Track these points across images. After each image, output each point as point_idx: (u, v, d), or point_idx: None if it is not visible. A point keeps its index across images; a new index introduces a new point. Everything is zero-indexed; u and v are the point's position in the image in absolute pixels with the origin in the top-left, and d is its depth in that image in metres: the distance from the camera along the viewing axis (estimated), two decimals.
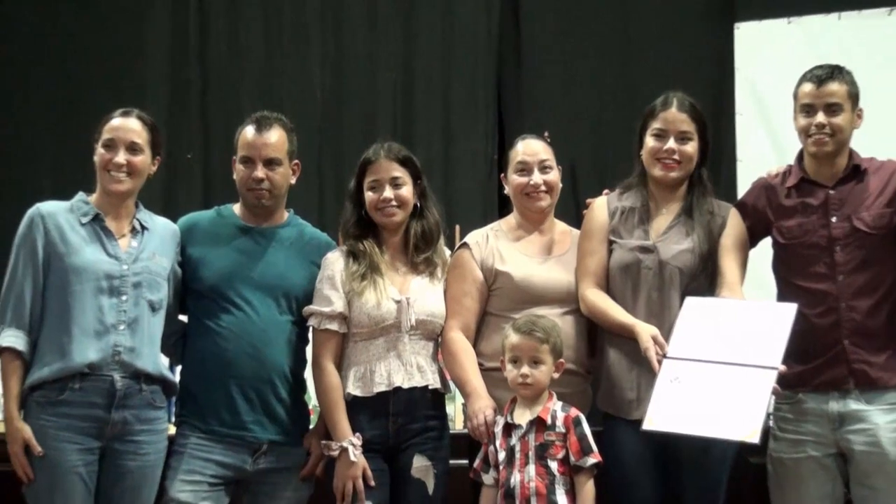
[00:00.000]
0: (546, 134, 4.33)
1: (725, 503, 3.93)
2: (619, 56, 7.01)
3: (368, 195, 4.05)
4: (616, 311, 3.93)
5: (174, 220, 4.21)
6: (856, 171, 4.01)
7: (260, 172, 4.02)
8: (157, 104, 7.27)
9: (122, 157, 3.91)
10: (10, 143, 7.52)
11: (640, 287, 3.96)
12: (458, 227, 4.58)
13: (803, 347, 3.78)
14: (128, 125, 3.96)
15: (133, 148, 3.94)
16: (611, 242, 4.04)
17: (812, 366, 3.88)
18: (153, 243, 3.99)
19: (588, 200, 4.24)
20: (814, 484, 3.92)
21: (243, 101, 5.12)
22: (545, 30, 7.23)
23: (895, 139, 4.20)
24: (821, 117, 3.94)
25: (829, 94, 3.96)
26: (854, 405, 3.87)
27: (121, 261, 3.89)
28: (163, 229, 4.08)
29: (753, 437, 3.55)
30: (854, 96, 3.99)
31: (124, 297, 3.85)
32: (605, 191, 4.21)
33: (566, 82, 7.10)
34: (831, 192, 3.99)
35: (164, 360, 4.10)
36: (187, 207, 4.70)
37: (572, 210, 4.41)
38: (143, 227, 4.01)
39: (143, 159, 3.97)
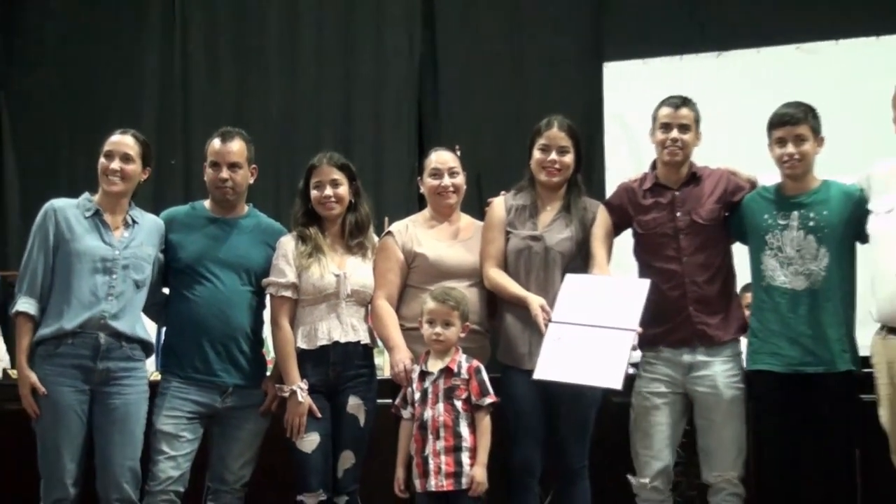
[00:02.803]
0: (457, 147, 4.32)
1: (593, 434, 3.94)
2: (515, 86, 7.05)
3: (313, 193, 4.02)
4: (512, 286, 3.91)
5: (162, 212, 4.19)
6: (694, 177, 4.02)
7: (225, 174, 4.02)
8: (150, 123, 7.44)
9: (116, 164, 3.92)
10: (38, 156, 7.76)
11: (531, 267, 3.94)
12: (386, 219, 4.53)
13: (660, 313, 3.80)
14: (123, 140, 3.97)
15: (126, 158, 3.94)
16: (508, 233, 4.00)
17: (666, 327, 3.88)
18: (141, 235, 3.97)
19: (489, 199, 4.21)
20: (664, 414, 3.92)
21: (218, 120, 5.09)
22: (457, 65, 7.27)
23: (721, 155, 4.19)
24: (675, 133, 3.95)
25: (682, 116, 3.98)
26: (699, 357, 3.89)
27: (114, 247, 3.89)
28: (150, 224, 4.05)
29: (616, 384, 3.60)
30: (697, 121, 4.02)
31: (114, 276, 3.86)
32: (503, 192, 4.18)
33: (473, 107, 7.14)
34: (677, 193, 4.00)
35: (150, 325, 4.10)
36: (172, 202, 4.63)
37: (477, 206, 4.38)
38: (135, 222, 3.99)
39: (134, 168, 3.96)
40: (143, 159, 3.99)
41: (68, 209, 3.91)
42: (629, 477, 3.99)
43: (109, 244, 3.88)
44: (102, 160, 3.94)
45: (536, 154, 4.02)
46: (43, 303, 3.84)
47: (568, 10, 7.05)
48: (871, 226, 3.77)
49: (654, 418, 3.94)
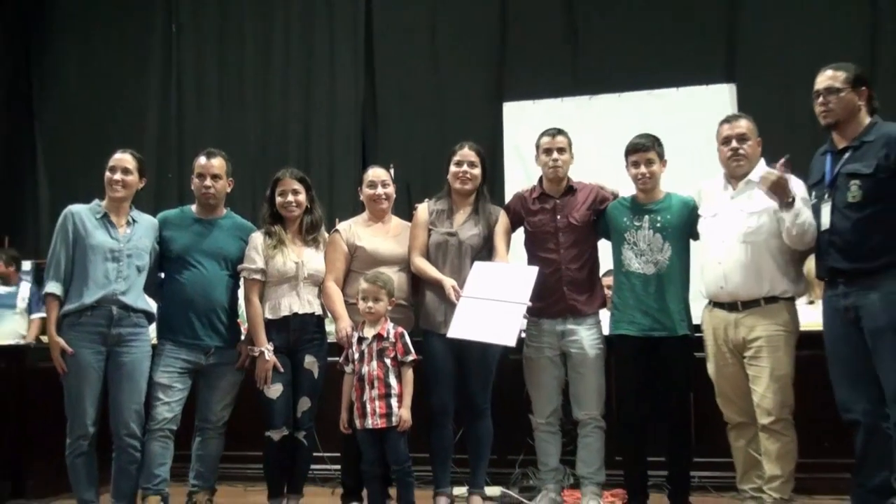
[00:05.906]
0: (392, 164, 4.32)
1: (494, 383, 3.97)
2: (436, 119, 7.05)
3: (278, 199, 4.01)
4: (431, 270, 3.92)
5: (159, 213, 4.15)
6: (571, 189, 4.04)
7: (208, 182, 4.00)
8: (151, 147, 7.44)
9: (118, 176, 3.89)
10: (63, 172, 7.76)
11: (447, 256, 3.95)
12: (337, 220, 4.51)
13: (542, 292, 3.80)
14: (123, 157, 3.94)
15: (126, 171, 3.90)
16: (430, 230, 4.00)
17: (546, 303, 3.89)
18: (140, 231, 3.93)
19: (416, 204, 4.20)
20: (548, 371, 3.96)
21: (205, 145, 5.01)
22: (392, 102, 7.27)
23: (592, 174, 4.20)
24: (555, 154, 3.98)
25: (558, 142, 4.00)
26: (570, 325, 3.92)
27: (119, 241, 3.86)
28: (147, 222, 4.01)
29: (511, 342, 3.63)
30: (570, 145, 4.04)
31: (121, 263, 3.83)
32: (426, 199, 4.17)
33: (405, 134, 7.14)
34: (557, 201, 4.01)
35: (150, 301, 4.02)
36: (168, 207, 4.53)
37: (407, 210, 4.36)
38: (134, 221, 3.96)
39: (133, 178, 3.93)
40: (139, 172, 3.96)
41: (83, 212, 3.88)
42: (529, 416, 4.03)
43: (116, 239, 3.85)
44: (107, 173, 3.90)
45: (452, 168, 4.03)
46: (66, 286, 3.81)
47: (477, 62, 7.08)
48: (701, 227, 3.83)
49: (542, 374, 3.97)
